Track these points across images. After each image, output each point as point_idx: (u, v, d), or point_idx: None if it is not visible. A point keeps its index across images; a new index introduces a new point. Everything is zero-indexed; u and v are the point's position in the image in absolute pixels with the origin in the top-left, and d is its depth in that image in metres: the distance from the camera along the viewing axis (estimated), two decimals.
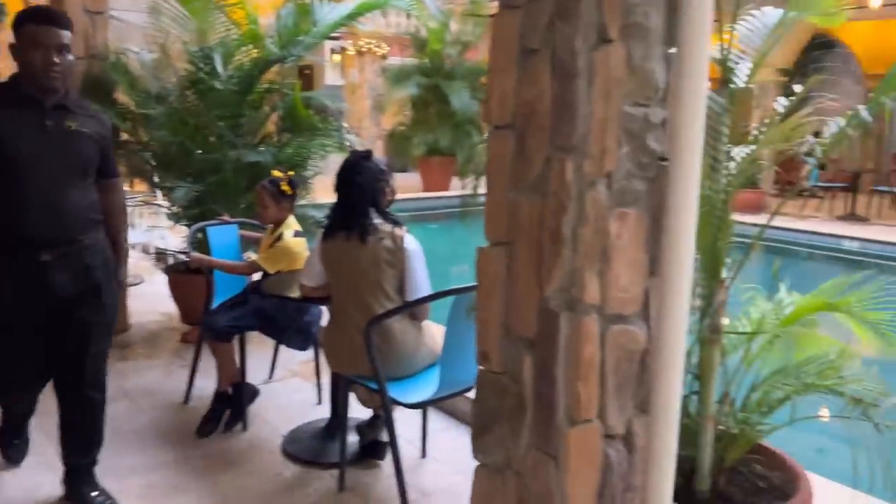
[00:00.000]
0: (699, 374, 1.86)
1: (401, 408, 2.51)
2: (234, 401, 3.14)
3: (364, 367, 2.40)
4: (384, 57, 12.81)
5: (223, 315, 3.10)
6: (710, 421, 1.80)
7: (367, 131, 12.05)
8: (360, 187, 2.53)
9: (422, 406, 2.61)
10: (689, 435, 1.90)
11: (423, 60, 12.76)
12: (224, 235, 3.57)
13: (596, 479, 1.45)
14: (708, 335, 1.78)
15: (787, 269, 9.39)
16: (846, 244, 9.15)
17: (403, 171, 15.00)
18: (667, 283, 1.39)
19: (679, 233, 1.36)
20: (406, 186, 11.94)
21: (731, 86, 1.76)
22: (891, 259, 8.74)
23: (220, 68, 4.05)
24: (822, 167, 13.18)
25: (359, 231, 2.48)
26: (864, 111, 1.63)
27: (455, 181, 12.68)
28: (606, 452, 1.46)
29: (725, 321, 2.05)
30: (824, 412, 1.88)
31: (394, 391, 2.43)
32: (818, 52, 14.62)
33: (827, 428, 2.29)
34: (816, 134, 1.95)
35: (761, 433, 1.98)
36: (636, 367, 1.48)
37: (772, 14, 1.83)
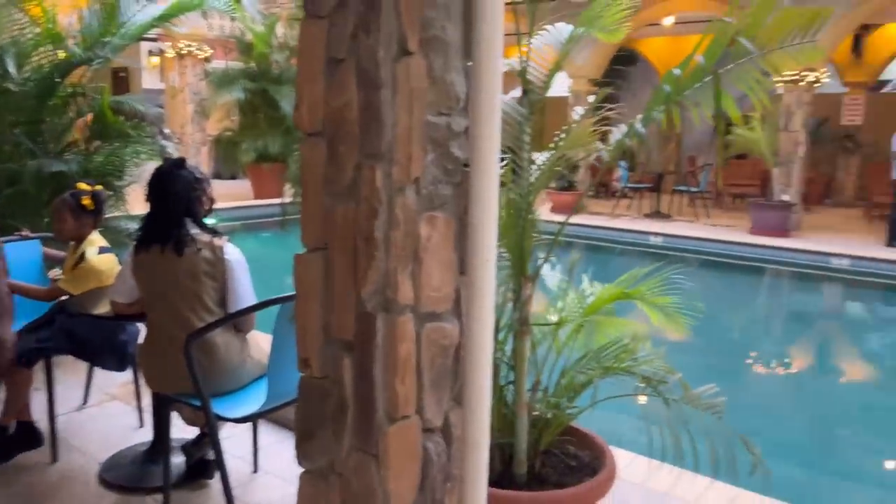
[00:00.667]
0: (514, 365, 1.99)
1: (230, 423, 2.44)
2: (9, 441, 2.84)
3: (186, 385, 2.31)
4: (207, 60, 12.27)
5: (26, 337, 2.83)
6: (524, 408, 1.93)
7: (190, 137, 11.48)
8: (175, 196, 2.43)
9: (249, 420, 2.55)
10: (508, 423, 2.02)
11: (249, 64, 12.39)
12: (25, 252, 3.27)
13: (416, 473, 1.51)
14: (518, 327, 1.90)
15: (604, 263, 10.19)
16: (652, 239, 10.08)
17: (233, 178, 14.46)
18: (473, 281, 1.48)
19: (482, 233, 1.45)
20: (236, 194, 11.53)
21: (531, 95, 1.89)
22: (689, 251, 9.74)
23: (12, 69, 3.70)
24: (632, 169, 14.46)
25: (174, 243, 2.38)
26: (638, 123, 1.83)
27: (288, 188, 12.44)
28: (426, 446, 1.52)
29: (554, 314, 2.21)
30: (622, 391, 2.08)
31: (219, 407, 2.35)
32: (622, 65, 16.02)
33: (633, 405, 2.52)
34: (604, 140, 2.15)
35: (571, 416, 2.15)
36: (451, 362, 1.56)
37: (564, 29, 2.00)
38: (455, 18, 1.43)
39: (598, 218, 11.40)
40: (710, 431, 2.01)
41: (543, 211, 10.60)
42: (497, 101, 1.41)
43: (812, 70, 9.91)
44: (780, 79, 10.22)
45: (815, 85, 10.15)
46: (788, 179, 10.28)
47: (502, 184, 1.86)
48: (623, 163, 14.14)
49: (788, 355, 6.46)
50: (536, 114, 1.90)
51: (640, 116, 1.82)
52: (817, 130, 13.55)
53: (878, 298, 8.59)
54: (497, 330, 1.89)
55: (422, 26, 1.37)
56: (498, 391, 2.04)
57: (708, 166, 13.19)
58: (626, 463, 2.69)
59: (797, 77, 9.98)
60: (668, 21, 11.55)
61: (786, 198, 10.15)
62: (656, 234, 10.10)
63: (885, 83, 15.67)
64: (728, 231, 10.12)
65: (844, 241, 9.29)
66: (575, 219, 11.88)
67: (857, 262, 8.49)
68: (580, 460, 2.12)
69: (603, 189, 14.63)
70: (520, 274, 1.90)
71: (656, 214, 11.75)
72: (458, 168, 1.50)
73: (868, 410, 5.13)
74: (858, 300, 8.76)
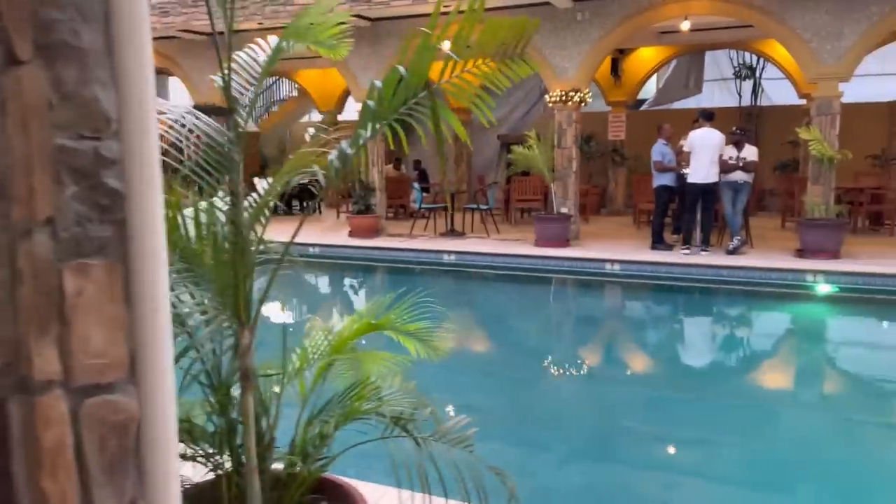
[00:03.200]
0: (243, 422, 1.73)
1: None
2: None
3: None
4: None
5: None
6: (254, 472, 1.68)
7: None
8: None
9: None
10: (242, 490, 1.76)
11: None
12: None
13: None
14: (242, 382, 1.66)
15: (403, 283, 10.20)
16: (445, 258, 10.26)
17: None
18: (143, 338, 1.22)
19: (147, 277, 1.19)
20: None
21: (237, 116, 1.67)
22: (481, 267, 10.03)
23: None
24: (426, 191, 14.73)
25: None
26: (345, 144, 1.68)
27: None
28: None
29: (307, 353, 1.97)
30: (369, 435, 1.91)
31: None
32: None
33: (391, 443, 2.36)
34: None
35: (321, 468, 1.93)
36: (132, 441, 1.27)
37: (271, 42, 1.80)
38: (94, 20, 1.17)
39: (396, 240, 11.42)
40: (471, 464, 1.90)
41: (315, 235, 10.30)
42: (150, 119, 1.17)
43: (577, 90, 10.70)
44: (550, 99, 10.94)
45: (582, 104, 10.96)
46: (566, 193, 10.98)
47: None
48: (416, 184, 14.37)
49: (571, 358, 6.78)
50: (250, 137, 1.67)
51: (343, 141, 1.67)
52: (588, 146, 14.73)
53: (648, 297, 9.40)
54: (214, 387, 1.62)
55: (39, 29, 1.09)
56: (236, 455, 1.78)
57: (494, 185, 13.77)
58: (381, 496, 2.53)
59: (564, 97, 10.72)
60: (685, 26, 11.23)
61: (564, 210, 10.82)
62: (449, 252, 10.29)
63: (642, 102, 17.47)
64: (516, 245, 10.57)
65: (617, 247, 10.08)
66: (374, 242, 11.85)
67: (626, 265, 9.23)
68: None
69: (402, 210, 14.77)
70: (238, 320, 1.65)
71: (450, 233, 12.02)
72: (119, 203, 1.23)
73: (650, 404, 5.47)
74: (632, 300, 9.52)
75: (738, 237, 9.42)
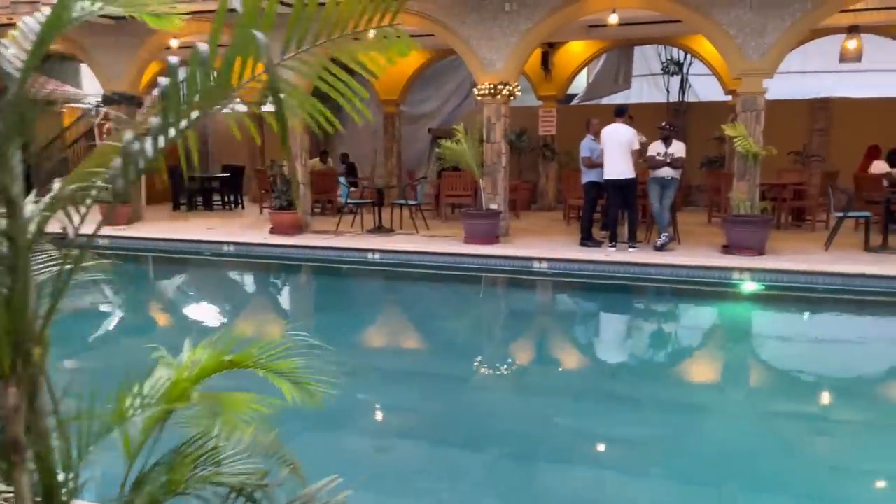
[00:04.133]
0: None
1: None
2: None
3: None
4: None
5: None
6: None
7: None
8: None
9: None
10: None
11: None
12: None
13: None
14: (9, 455, 1.24)
15: (328, 285, 9.75)
16: (370, 256, 9.85)
17: None
18: None
19: None
20: None
21: (10, 97, 1.24)
22: (408, 265, 9.66)
23: None
24: (354, 186, 14.24)
25: None
26: (148, 143, 1.27)
27: None
28: None
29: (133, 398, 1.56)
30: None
31: None
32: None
33: None
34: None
35: None
36: None
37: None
38: None
39: (321, 237, 10.93)
40: None
41: (234, 232, 9.73)
42: None
43: (506, 84, 10.43)
44: (478, 92, 10.64)
45: (511, 98, 10.70)
46: (495, 188, 10.71)
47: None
48: (342, 178, 13.88)
49: (494, 359, 6.51)
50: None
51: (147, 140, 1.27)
52: (518, 141, 14.53)
53: (576, 295, 9.23)
54: None
55: None
56: None
57: (424, 179, 13.41)
58: None
59: (493, 90, 10.43)
60: (614, 19, 11.01)
61: (493, 206, 10.55)
62: (374, 251, 9.88)
63: (572, 97, 17.40)
64: (445, 242, 10.25)
65: (547, 244, 9.87)
66: (297, 240, 11.31)
67: (554, 263, 9.02)
68: None
69: (329, 205, 14.23)
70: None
71: (378, 229, 11.60)
72: None
73: (575, 402, 5.25)
74: (560, 299, 9.33)
75: (666, 233, 9.35)
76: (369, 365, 6.20)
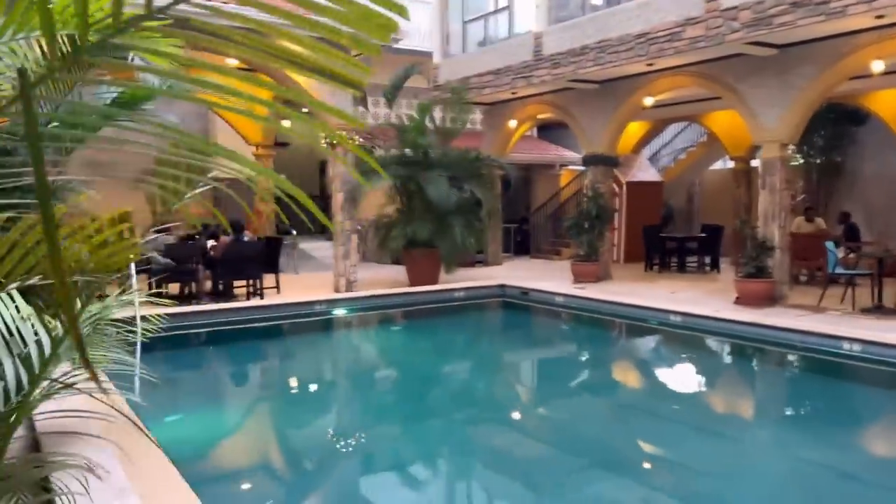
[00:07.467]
0: None
1: None
2: None
3: None
4: (366, 148, 12.43)
5: None
6: None
7: (339, 225, 11.50)
8: None
9: None
10: None
11: (403, 150, 12.29)
12: None
13: None
14: None
15: (790, 381, 7.88)
16: (845, 346, 7.68)
17: (397, 262, 14.33)
18: None
19: None
20: (392, 280, 11.21)
21: None
22: None
23: None
24: (852, 251, 11.69)
25: None
26: None
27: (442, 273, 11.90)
28: None
29: None
30: None
31: None
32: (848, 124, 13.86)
33: None
34: None
35: None
36: None
37: None
38: None
39: (794, 313, 9.12)
40: None
41: (688, 299, 8.48)
42: None
43: None
44: None
45: None
46: None
47: None
48: (831, 244, 11.50)
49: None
50: None
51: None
52: None
53: None
54: None
55: None
56: None
57: None
58: None
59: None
60: (879, 67, 9.17)
61: None
62: (855, 340, 7.64)
63: None
64: None
65: None
66: (755, 315, 9.51)
67: None
68: None
69: (819, 274, 11.94)
70: None
71: (878, 309, 9.15)
72: None
73: None
74: None
75: None
76: None
